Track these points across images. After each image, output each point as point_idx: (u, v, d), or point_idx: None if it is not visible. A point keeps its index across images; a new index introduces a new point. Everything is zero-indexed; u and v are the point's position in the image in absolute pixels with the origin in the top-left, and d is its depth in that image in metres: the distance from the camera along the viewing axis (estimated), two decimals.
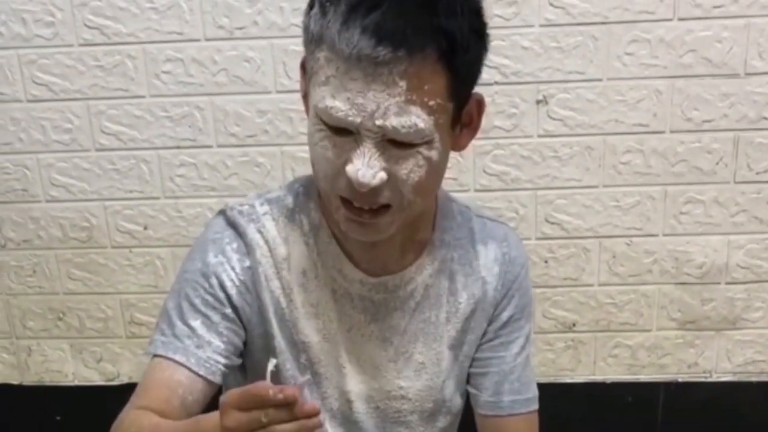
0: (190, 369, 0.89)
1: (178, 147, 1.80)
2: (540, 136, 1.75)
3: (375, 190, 0.80)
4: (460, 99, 0.82)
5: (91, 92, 1.78)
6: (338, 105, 0.76)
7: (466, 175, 1.78)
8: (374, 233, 0.87)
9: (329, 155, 0.81)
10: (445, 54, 0.76)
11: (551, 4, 1.67)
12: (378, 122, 0.76)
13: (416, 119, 0.77)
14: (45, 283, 1.94)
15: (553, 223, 1.81)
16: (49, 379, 2.03)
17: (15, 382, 2.05)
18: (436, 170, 0.84)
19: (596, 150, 1.75)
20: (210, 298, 0.92)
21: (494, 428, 1.03)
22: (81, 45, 1.75)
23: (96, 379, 2.02)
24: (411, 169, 0.80)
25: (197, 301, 0.92)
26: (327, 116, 0.78)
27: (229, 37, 1.72)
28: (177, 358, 0.90)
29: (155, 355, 0.91)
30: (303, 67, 0.86)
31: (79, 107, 1.79)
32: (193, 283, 0.92)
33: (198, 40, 1.73)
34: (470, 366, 1.04)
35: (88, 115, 1.80)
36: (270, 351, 0.97)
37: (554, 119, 1.74)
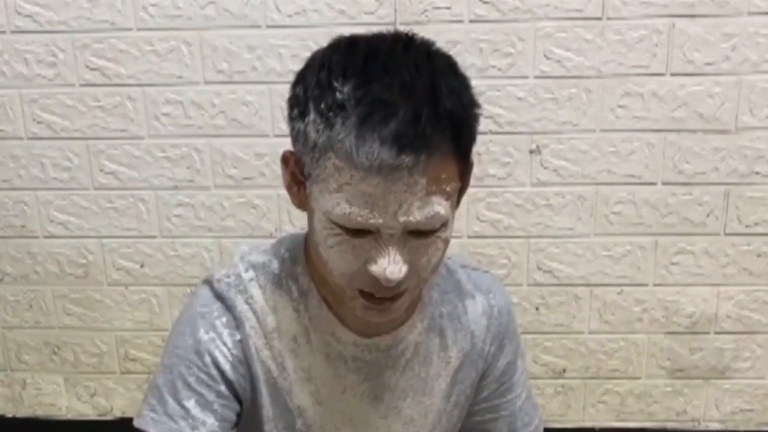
0: None
1: (175, 187, 1.83)
2: (533, 185, 1.77)
3: (398, 281, 0.80)
4: (465, 174, 0.83)
5: (91, 132, 1.80)
6: (357, 210, 0.75)
7: (459, 222, 1.79)
8: (390, 314, 0.88)
9: (348, 257, 0.80)
10: (455, 140, 0.76)
11: (546, 57, 1.69)
12: (401, 219, 0.76)
13: (437, 207, 0.77)
14: (41, 317, 1.96)
15: (545, 271, 1.83)
16: (43, 413, 2.05)
17: (9, 415, 2.06)
18: (448, 245, 0.85)
19: (588, 200, 1.77)
20: (204, 377, 0.91)
21: None
22: (82, 85, 1.77)
23: (89, 414, 2.04)
24: (431, 254, 0.81)
25: (191, 380, 0.91)
26: (345, 221, 0.77)
27: (228, 81, 1.74)
28: None
29: None
30: (285, 161, 0.85)
31: (78, 146, 1.82)
32: (186, 361, 0.91)
33: (197, 83, 1.75)
34: (476, 415, 1.06)
35: (88, 154, 1.82)
36: (257, 419, 0.97)
37: (547, 169, 1.76)
